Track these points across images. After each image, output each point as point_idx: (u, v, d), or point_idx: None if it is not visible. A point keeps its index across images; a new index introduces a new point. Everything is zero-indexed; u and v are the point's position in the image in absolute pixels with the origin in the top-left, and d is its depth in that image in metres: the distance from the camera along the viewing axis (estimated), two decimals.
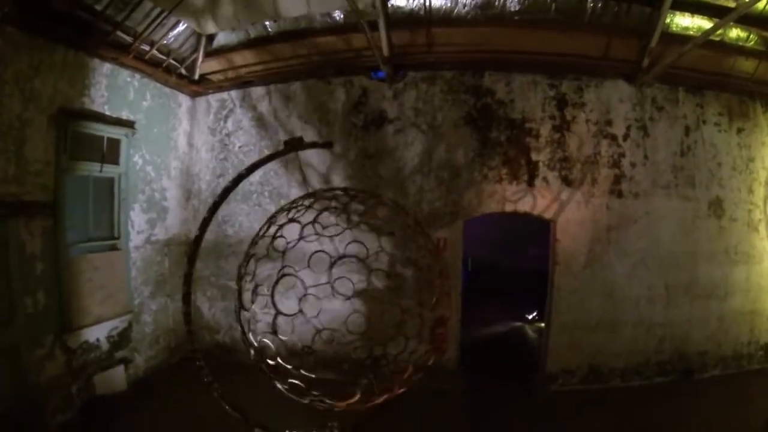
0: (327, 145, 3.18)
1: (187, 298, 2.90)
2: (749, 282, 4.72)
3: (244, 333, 3.00)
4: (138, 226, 4.41)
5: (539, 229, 4.54)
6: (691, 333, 4.59)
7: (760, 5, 4.42)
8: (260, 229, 3.18)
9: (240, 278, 3.14)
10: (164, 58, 4.38)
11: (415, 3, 4.02)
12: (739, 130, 4.74)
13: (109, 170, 4.03)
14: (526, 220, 4.40)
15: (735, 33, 4.51)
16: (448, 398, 4.13)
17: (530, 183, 4.25)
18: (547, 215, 4.30)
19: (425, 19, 4.04)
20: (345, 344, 3.80)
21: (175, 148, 4.92)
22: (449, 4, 4.05)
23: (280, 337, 3.17)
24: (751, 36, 4.54)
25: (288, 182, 4.64)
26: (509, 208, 4.26)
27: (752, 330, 4.78)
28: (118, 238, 4.14)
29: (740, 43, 4.56)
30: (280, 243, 3.12)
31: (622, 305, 4.44)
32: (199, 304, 5.20)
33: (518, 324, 6.39)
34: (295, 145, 3.02)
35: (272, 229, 3.28)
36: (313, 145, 3.13)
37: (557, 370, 4.47)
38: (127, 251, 4.24)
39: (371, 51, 3.93)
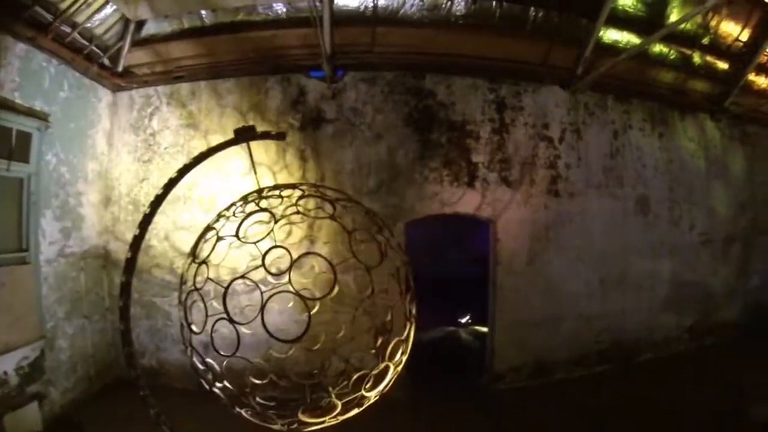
0: (280, 136, 3.28)
1: (125, 312, 2.90)
2: (672, 272, 5.74)
3: (189, 350, 3.08)
4: (50, 236, 4.32)
5: (462, 234, 5.12)
6: (626, 322, 5.51)
7: (681, 24, 5.50)
8: (201, 235, 3.30)
9: (180, 291, 3.23)
10: (86, 43, 4.35)
11: (362, 1, 4.43)
12: (660, 135, 5.79)
13: (18, 169, 3.89)
14: (448, 226, 4.97)
15: (658, 48, 5.56)
16: (397, 406, 4.45)
17: (470, 184, 4.87)
18: (488, 215, 4.95)
19: (371, 17, 4.48)
20: (285, 360, 4.00)
21: (93, 147, 4.90)
22: (396, 4, 4.53)
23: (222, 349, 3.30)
24: (671, 51, 5.62)
25: (220, 185, 4.82)
26: (450, 209, 4.84)
27: (678, 315, 5.82)
28: (26, 250, 4.04)
29: (662, 57, 5.61)
30: (216, 251, 3.26)
31: (563, 300, 5.22)
32: (120, 325, 5.16)
33: (452, 328, 7.12)
34: (246, 134, 3.11)
35: (212, 233, 3.44)
36: (265, 135, 3.22)
37: (504, 368, 5.11)
38: (37, 265, 4.14)
39: (311, 48, 4.29)
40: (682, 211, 5.81)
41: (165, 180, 5.10)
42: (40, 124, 4.08)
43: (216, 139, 4.79)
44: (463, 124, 4.85)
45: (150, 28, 4.63)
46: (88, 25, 4.26)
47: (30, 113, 3.96)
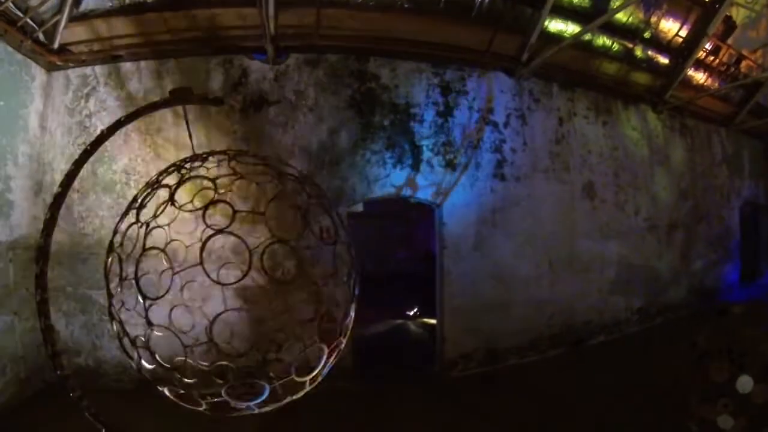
0: (217, 101, 3.34)
1: (43, 306, 2.83)
2: (620, 255, 6.06)
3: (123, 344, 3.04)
4: None
5: (411, 232, 5.24)
6: (576, 305, 5.74)
7: (624, 18, 5.93)
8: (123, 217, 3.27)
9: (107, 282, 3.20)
10: (21, 15, 4.25)
11: None
12: (604, 123, 6.17)
13: None
14: (397, 224, 5.03)
15: (601, 41, 5.95)
16: (348, 397, 4.47)
17: (415, 167, 5.02)
18: (432, 199, 5.10)
19: None
20: (226, 351, 3.97)
21: (25, 129, 4.80)
22: None
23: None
24: (615, 44, 6.03)
25: (159, 170, 4.78)
26: (393, 193, 4.95)
27: (627, 298, 6.11)
28: None
29: (605, 49, 6.01)
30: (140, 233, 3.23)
31: (512, 285, 5.39)
32: (53, 321, 4.96)
33: (400, 321, 7.31)
34: (182, 96, 3.12)
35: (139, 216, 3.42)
36: (202, 99, 3.24)
37: (455, 355, 5.20)
38: None
39: (255, 30, 4.40)
40: (627, 196, 6.18)
41: (100, 164, 5.09)
42: None
43: (154, 121, 4.82)
44: (407, 107, 5.02)
45: (89, 3, 4.57)
46: None
47: None
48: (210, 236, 2.69)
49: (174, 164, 3.27)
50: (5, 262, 4.62)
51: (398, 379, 5.07)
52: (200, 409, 2.88)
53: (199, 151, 4.06)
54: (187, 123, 3.18)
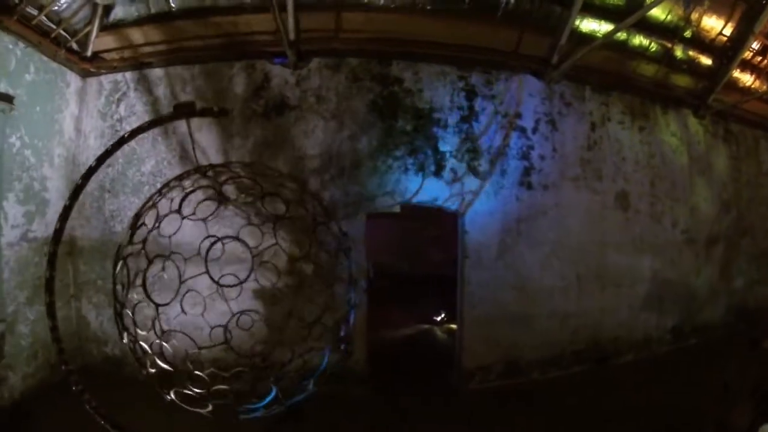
0: (222, 112, 3.33)
1: (51, 308, 2.93)
2: (654, 270, 5.59)
3: (131, 344, 3.11)
4: (12, 220, 4.31)
5: (440, 234, 4.98)
6: (604, 321, 5.34)
7: (662, 16, 5.46)
8: (136, 217, 3.29)
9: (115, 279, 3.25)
10: (54, 27, 4.42)
11: None
12: (641, 129, 5.69)
13: None
14: (426, 225, 4.81)
15: (638, 40, 5.48)
16: (360, 404, 4.36)
17: (437, 174, 4.78)
18: (455, 207, 4.84)
19: (337, 2, 4.47)
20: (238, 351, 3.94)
21: (60, 132, 4.94)
22: None
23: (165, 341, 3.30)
24: (652, 44, 5.54)
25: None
26: (415, 199, 4.74)
27: (659, 315, 5.64)
28: None
29: (642, 50, 5.54)
30: (156, 234, 3.27)
31: (536, 297, 5.07)
32: (84, 312, 5.15)
33: (427, 326, 7.05)
34: (186, 110, 3.14)
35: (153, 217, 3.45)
36: (205, 112, 3.26)
37: (474, 367, 4.95)
38: None
39: (277, 35, 4.31)
40: (664, 207, 5.69)
41: (130, 166, 5.15)
42: (5, 107, 4.10)
43: (182, 125, 4.82)
44: (430, 112, 4.78)
45: (118, 13, 4.69)
46: (55, 8, 4.31)
47: None
48: (274, 223, 3.00)
49: (194, 169, 3.26)
50: (41, 256, 4.76)
51: (412, 387, 4.87)
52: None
53: (203, 163, 4.10)
54: (191, 136, 3.19)
